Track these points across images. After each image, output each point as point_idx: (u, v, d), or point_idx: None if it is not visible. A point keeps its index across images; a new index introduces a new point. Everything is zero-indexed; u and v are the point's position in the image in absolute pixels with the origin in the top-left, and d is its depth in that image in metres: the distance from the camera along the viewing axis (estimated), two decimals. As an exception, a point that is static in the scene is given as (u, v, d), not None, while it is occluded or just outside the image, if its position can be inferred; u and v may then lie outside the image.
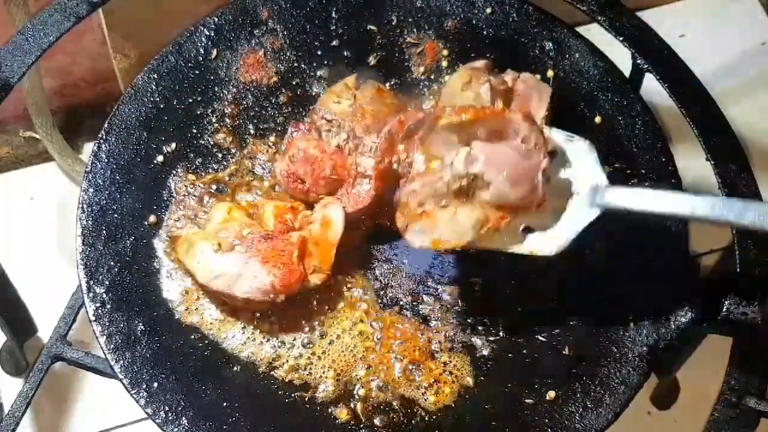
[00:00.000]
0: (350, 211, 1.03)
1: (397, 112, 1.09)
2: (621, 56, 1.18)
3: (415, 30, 1.21)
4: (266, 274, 0.98)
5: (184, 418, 0.95)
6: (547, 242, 0.95)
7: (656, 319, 1.01)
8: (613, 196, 0.92)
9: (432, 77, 1.19)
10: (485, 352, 1.03)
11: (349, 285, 1.05)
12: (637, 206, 0.91)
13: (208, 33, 1.18)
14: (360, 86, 1.12)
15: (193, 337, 1.01)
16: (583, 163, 0.95)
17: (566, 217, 0.95)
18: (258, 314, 1.02)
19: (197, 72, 1.16)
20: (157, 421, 0.95)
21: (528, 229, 0.96)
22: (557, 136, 0.97)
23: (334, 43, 1.20)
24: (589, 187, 0.94)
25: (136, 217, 1.07)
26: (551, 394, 0.99)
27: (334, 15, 1.21)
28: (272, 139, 1.14)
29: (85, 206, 1.05)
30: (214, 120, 1.14)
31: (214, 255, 0.99)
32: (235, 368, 1.00)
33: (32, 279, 1.44)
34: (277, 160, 1.10)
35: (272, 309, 1.01)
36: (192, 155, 1.12)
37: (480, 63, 1.14)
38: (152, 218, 1.07)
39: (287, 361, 1.01)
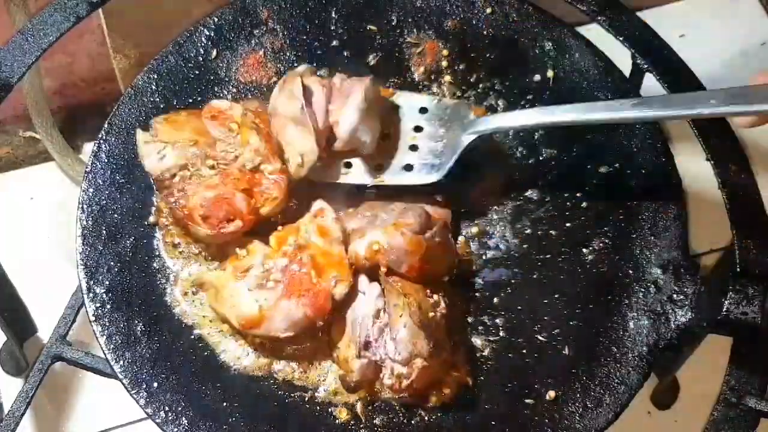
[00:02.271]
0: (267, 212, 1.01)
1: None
2: (621, 56, 1.18)
3: (415, 30, 1.21)
4: (296, 307, 0.96)
5: (184, 418, 0.95)
6: (429, 173, 1.07)
7: (656, 319, 1.01)
8: (482, 123, 1.07)
9: (432, 77, 1.19)
10: (485, 352, 1.03)
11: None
12: (505, 124, 1.07)
13: (208, 33, 1.18)
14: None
15: (193, 337, 1.01)
16: (453, 110, 1.10)
17: (444, 152, 1.07)
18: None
19: (197, 72, 1.16)
20: (157, 421, 0.95)
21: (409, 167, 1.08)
22: (420, 99, 1.12)
23: (334, 43, 1.20)
24: (460, 122, 1.08)
25: (136, 217, 1.06)
26: (551, 394, 0.99)
27: (334, 15, 1.21)
28: (272, 139, 1.14)
29: (85, 206, 1.05)
30: (214, 120, 1.14)
31: (245, 300, 0.97)
32: (235, 368, 1.00)
33: (32, 279, 1.44)
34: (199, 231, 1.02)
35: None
36: (192, 155, 1.12)
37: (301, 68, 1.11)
38: (152, 218, 1.07)
39: (287, 361, 1.01)
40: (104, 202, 1.06)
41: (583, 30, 1.20)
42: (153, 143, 1.03)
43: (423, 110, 1.10)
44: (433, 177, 1.06)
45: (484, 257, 1.08)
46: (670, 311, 1.01)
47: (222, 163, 1.02)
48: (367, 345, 0.96)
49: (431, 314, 0.96)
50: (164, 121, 1.05)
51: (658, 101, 0.96)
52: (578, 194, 1.10)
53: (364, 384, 0.97)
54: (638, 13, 1.20)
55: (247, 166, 1.01)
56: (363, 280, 0.99)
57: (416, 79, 1.19)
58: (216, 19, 1.18)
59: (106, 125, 1.10)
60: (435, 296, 0.99)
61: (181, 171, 1.01)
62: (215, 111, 1.06)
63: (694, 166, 1.15)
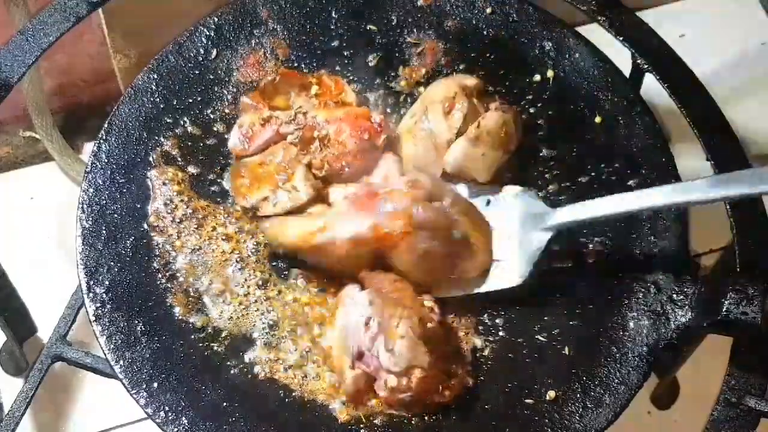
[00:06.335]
0: None
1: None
2: (621, 56, 1.18)
3: (415, 30, 1.21)
4: (362, 216, 0.99)
5: (184, 418, 0.95)
6: (508, 275, 1.02)
7: (656, 319, 1.01)
8: (559, 216, 1.01)
9: (432, 78, 1.19)
10: (485, 352, 1.03)
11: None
12: (583, 216, 1.00)
13: (208, 33, 1.18)
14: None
15: (193, 337, 1.01)
16: (521, 201, 1.04)
17: (521, 248, 1.02)
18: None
19: (197, 72, 1.16)
20: (157, 421, 0.95)
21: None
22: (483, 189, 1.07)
23: (334, 43, 1.20)
24: (532, 217, 1.02)
25: (136, 217, 1.06)
26: (551, 394, 0.99)
27: (334, 15, 1.21)
28: (272, 139, 1.14)
29: (85, 206, 1.05)
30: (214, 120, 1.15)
31: (311, 221, 1.01)
32: (235, 368, 1.00)
33: (32, 279, 1.44)
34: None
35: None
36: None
37: (471, 81, 1.11)
38: (152, 218, 1.07)
39: (287, 361, 1.01)
40: (104, 202, 1.06)
41: (583, 30, 1.20)
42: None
43: (487, 203, 1.06)
44: (515, 279, 1.01)
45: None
46: (670, 311, 1.01)
47: None
48: (360, 355, 0.96)
49: (430, 324, 0.96)
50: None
51: (743, 179, 0.91)
52: (578, 195, 1.10)
53: (358, 394, 0.96)
54: (638, 13, 1.20)
55: None
56: (351, 288, 1.00)
57: (417, 80, 1.19)
58: (216, 19, 1.18)
59: (106, 125, 1.10)
60: (428, 302, 0.99)
61: None
62: None
63: (694, 166, 1.15)
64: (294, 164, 1.07)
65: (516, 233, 1.03)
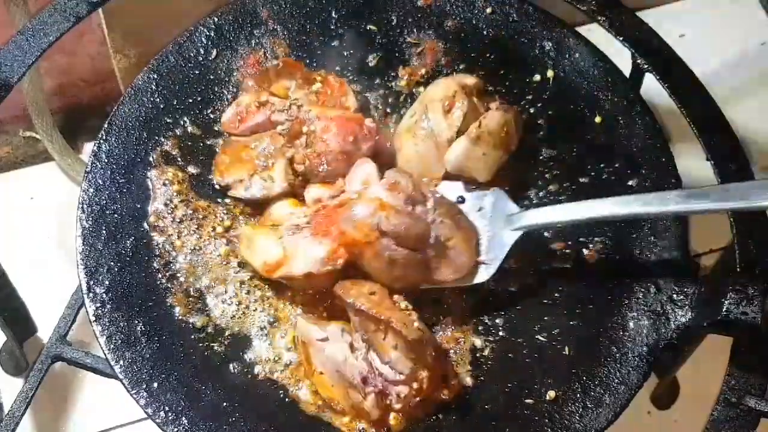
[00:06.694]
0: None
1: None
2: (621, 56, 1.18)
3: (415, 30, 1.21)
4: (317, 245, 0.98)
5: (184, 418, 0.95)
6: (480, 271, 1.03)
7: (656, 319, 1.01)
8: (527, 218, 1.02)
9: (432, 78, 1.19)
10: (485, 352, 1.03)
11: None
12: (550, 220, 1.01)
13: (208, 33, 1.18)
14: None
15: (193, 337, 1.01)
16: (493, 201, 1.06)
17: (490, 247, 1.03)
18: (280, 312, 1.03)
19: (197, 72, 1.16)
20: (157, 421, 0.95)
21: None
22: (457, 187, 1.07)
23: (334, 43, 1.20)
24: (503, 216, 1.04)
25: (136, 217, 1.07)
26: (551, 394, 0.99)
27: (334, 15, 1.21)
28: (272, 139, 1.14)
29: (85, 206, 1.05)
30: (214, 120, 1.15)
31: (272, 246, 1.00)
32: (235, 368, 1.00)
33: (32, 279, 1.44)
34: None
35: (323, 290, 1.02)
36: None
37: (471, 80, 1.12)
38: (152, 218, 1.07)
39: (287, 361, 1.01)
40: (104, 202, 1.06)
41: (583, 30, 1.20)
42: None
43: (460, 200, 1.07)
44: (483, 276, 1.03)
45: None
46: (670, 311, 1.01)
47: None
48: (364, 380, 0.95)
49: (415, 324, 0.95)
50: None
51: (715, 193, 0.93)
52: (578, 194, 1.10)
53: (383, 416, 0.96)
54: (638, 13, 1.20)
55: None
56: (309, 329, 0.98)
57: (417, 80, 1.19)
58: (216, 19, 1.18)
59: (106, 125, 1.10)
60: (402, 302, 0.98)
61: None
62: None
63: (694, 166, 1.15)
64: (277, 155, 1.07)
65: (485, 231, 1.04)
